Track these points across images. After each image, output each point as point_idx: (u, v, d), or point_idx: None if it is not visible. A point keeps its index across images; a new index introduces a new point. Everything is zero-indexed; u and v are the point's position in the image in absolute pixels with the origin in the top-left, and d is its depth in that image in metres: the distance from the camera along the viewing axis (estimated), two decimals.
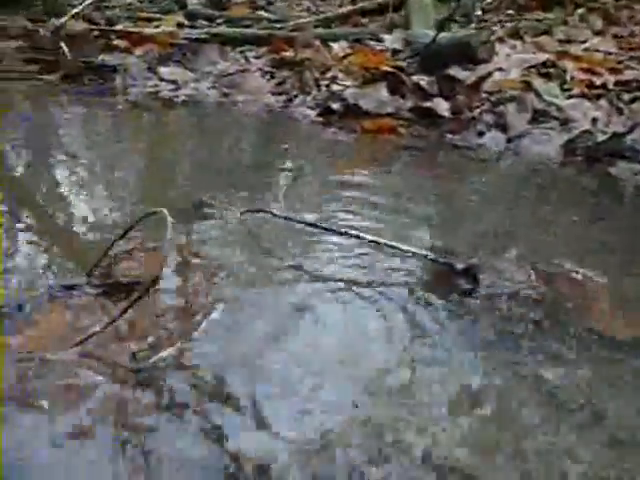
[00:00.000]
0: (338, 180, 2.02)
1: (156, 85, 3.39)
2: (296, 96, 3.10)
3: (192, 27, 4.31)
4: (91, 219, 1.64)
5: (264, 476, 0.85)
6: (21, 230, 1.57)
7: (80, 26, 3.80)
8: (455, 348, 1.13)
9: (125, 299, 1.19)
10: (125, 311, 1.10)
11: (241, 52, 3.85)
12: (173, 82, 3.40)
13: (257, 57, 3.70)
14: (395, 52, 3.49)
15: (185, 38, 3.84)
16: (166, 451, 0.89)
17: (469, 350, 1.13)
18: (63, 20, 3.80)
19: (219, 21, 4.68)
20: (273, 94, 3.17)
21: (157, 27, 4.20)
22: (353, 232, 1.44)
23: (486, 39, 3.11)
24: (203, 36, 3.92)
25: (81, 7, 4.04)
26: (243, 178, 2.01)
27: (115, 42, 3.79)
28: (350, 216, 1.68)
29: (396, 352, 1.11)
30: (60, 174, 2.10)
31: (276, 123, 2.83)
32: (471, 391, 1.02)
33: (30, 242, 1.51)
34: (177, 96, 3.22)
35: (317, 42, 3.55)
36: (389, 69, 2.98)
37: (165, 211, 1.14)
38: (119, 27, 4.09)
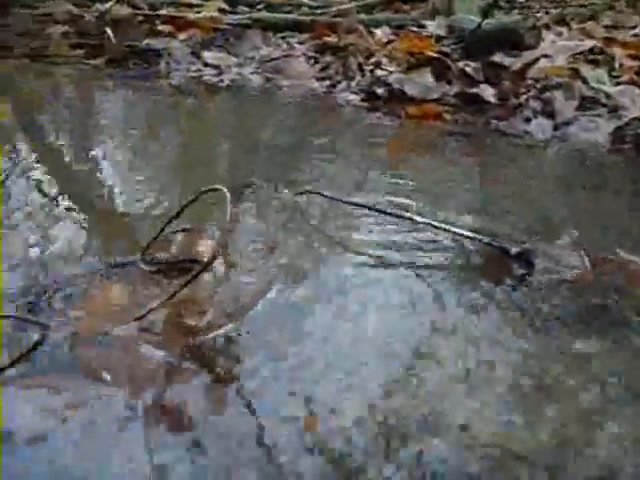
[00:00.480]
0: (384, 164, 2.02)
1: (199, 70, 3.41)
2: (340, 81, 3.10)
3: (233, 13, 4.33)
4: (140, 200, 1.66)
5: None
6: (72, 210, 1.59)
7: (125, 11, 3.83)
8: (507, 330, 1.13)
9: (179, 277, 1.21)
10: (184, 287, 1.12)
11: (283, 38, 3.85)
12: (216, 67, 3.41)
13: (300, 42, 3.70)
14: (439, 38, 3.46)
15: (228, 23, 3.85)
16: (219, 423, 0.90)
17: (522, 334, 1.12)
18: (108, 5, 3.84)
19: (260, 7, 4.69)
20: (317, 79, 3.17)
21: (199, 12, 4.21)
22: (407, 214, 1.43)
23: (533, 25, 3.08)
24: (245, 21, 3.93)
25: None
26: (289, 161, 2.02)
27: (159, 27, 3.82)
28: (399, 199, 1.67)
29: (445, 332, 1.12)
30: (107, 156, 2.12)
31: (320, 108, 2.83)
32: (520, 371, 1.02)
33: (83, 221, 1.53)
34: (221, 80, 3.24)
35: (360, 27, 3.54)
36: (434, 54, 2.96)
37: (224, 189, 1.15)
38: (163, 12, 4.11)
